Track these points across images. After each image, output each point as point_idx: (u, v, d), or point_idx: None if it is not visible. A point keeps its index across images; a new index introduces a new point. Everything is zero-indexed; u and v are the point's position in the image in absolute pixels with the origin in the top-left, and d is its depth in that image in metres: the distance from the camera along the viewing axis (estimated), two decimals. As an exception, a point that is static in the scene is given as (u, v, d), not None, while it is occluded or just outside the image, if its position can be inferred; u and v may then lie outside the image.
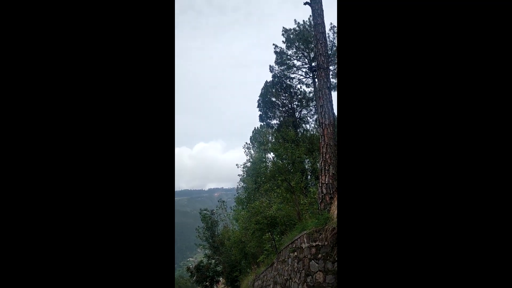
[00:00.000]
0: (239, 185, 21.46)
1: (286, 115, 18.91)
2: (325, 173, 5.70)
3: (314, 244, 4.42)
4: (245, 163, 17.36)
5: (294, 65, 18.52)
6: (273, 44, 17.87)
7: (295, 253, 5.31)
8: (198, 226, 24.10)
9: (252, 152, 19.29)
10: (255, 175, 12.24)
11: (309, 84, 18.54)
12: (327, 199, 5.45)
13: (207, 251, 23.78)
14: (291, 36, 17.44)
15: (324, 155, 5.82)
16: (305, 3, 6.43)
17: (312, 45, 14.24)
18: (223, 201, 23.39)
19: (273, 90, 19.26)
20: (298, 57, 18.35)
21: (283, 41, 17.64)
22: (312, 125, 18.29)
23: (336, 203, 4.42)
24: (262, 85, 19.66)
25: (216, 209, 23.97)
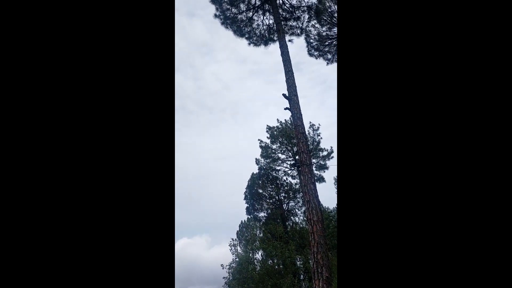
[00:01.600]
0: (225, 288, 18.93)
1: (273, 207, 18.59)
2: (318, 277, 5.18)
3: None
4: (230, 263, 15.79)
5: (279, 158, 19.37)
6: (259, 140, 19.09)
7: None
8: None
9: (239, 249, 17.89)
10: (242, 279, 10.94)
11: (294, 176, 19.00)
12: (324, 310, 4.77)
13: None
14: (275, 132, 18.89)
15: (315, 255, 5.42)
16: (285, 109, 7.21)
17: (295, 141, 15.34)
18: (206, 311, 20.10)
19: (260, 182, 19.48)
20: (282, 151, 19.39)
21: (267, 137, 18.96)
22: (301, 217, 17.81)
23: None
24: (248, 176, 19.94)
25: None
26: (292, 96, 7.09)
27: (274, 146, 19.42)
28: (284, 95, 7.20)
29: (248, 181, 19.76)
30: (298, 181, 18.36)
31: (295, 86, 7.29)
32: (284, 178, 19.51)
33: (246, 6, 9.72)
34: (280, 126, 18.90)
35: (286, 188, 19.41)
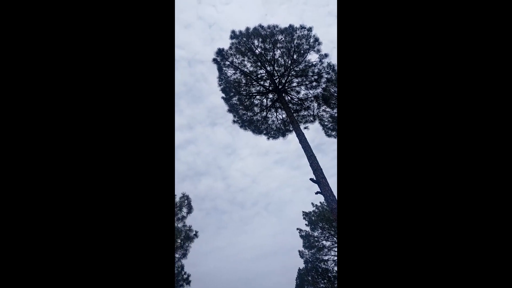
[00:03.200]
0: None
1: (332, 308, 15.79)
2: None
3: None
4: None
5: (324, 246, 17.64)
6: (298, 229, 17.99)
7: None
8: None
9: None
10: None
11: (346, 264, 16.77)
12: None
13: None
14: (313, 218, 17.87)
15: None
16: (317, 193, 7.03)
17: (336, 224, 14.20)
18: None
19: (309, 278, 17.25)
20: (326, 237, 17.82)
21: (306, 224, 17.86)
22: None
23: None
24: (295, 274, 17.89)
25: None
26: (320, 179, 7.01)
27: (315, 233, 18.02)
28: (311, 179, 7.16)
29: (296, 279, 17.66)
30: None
31: (321, 169, 7.30)
32: (336, 268, 17.28)
33: (259, 108, 10.86)
34: (317, 210, 18.03)
35: None
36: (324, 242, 17.67)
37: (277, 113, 10.95)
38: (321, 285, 17.20)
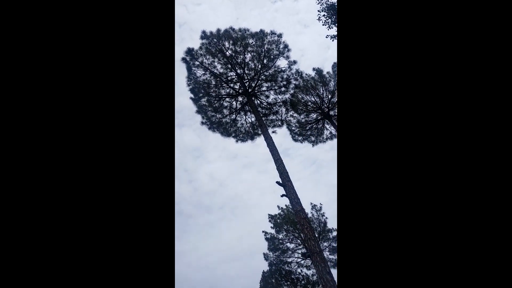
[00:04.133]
0: None
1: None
2: None
3: None
4: None
5: (288, 248, 17.98)
6: (263, 231, 18.13)
7: None
8: None
9: None
10: None
11: (309, 266, 17.27)
12: None
13: None
14: (278, 220, 18.15)
15: None
16: (282, 195, 7.17)
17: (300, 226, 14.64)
18: None
19: (273, 280, 17.43)
20: (290, 239, 18.19)
21: (271, 227, 18.07)
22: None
23: None
24: (259, 276, 17.97)
25: None
26: (286, 182, 7.16)
27: (280, 236, 18.32)
28: (277, 182, 7.28)
29: (260, 282, 17.73)
30: (314, 270, 16.60)
31: (287, 173, 7.46)
32: (299, 270, 17.68)
33: (228, 111, 10.84)
34: (282, 213, 18.33)
35: (303, 282, 17.34)
36: (288, 244, 18.01)
37: (246, 116, 11.01)
38: (284, 287, 17.46)
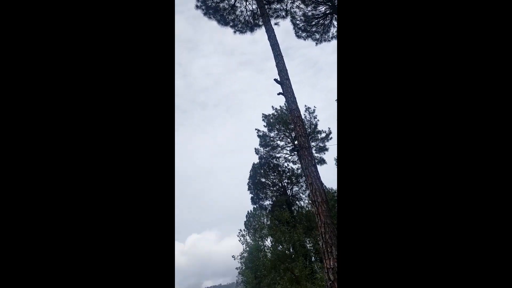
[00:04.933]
0: (238, 279, 19.27)
1: (278, 194, 18.69)
2: (328, 256, 5.23)
3: None
4: (242, 253, 16.01)
5: (278, 145, 19.36)
6: (256, 129, 19.03)
7: None
8: None
9: (248, 239, 18.10)
10: (254, 268, 11.10)
11: (295, 161, 19.05)
12: (336, 286, 4.85)
13: None
14: (271, 120, 18.81)
15: (323, 235, 5.46)
16: (279, 94, 7.13)
17: (292, 126, 15.32)
18: (223, 302, 20.46)
19: (261, 171, 19.52)
20: (280, 138, 19.36)
21: (264, 125, 18.89)
22: (306, 201, 17.94)
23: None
24: (249, 167, 19.97)
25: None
26: (284, 80, 7.00)
27: (272, 134, 19.39)
28: (276, 80, 7.11)
29: (250, 171, 19.79)
30: (299, 165, 18.41)
31: (286, 70, 7.18)
32: (285, 164, 19.55)
33: (227, -6, 9.49)
34: (276, 113, 18.80)
35: (288, 174, 19.47)
36: (278, 142, 19.30)
37: (247, 3, 9.72)
38: (271, 177, 19.78)
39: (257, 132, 19.08)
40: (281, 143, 19.22)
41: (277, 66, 7.24)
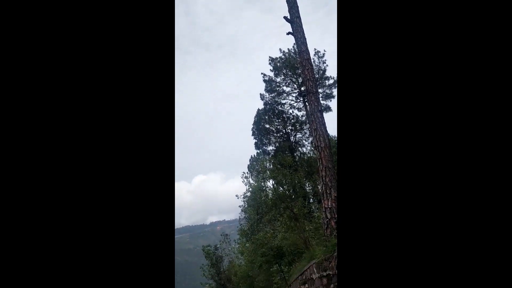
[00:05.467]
0: (241, 215, 20.89)
1: (281, 140, 19.00)
2: (327, 197, 5.57)
3: (324, 273, 4.18)
4: (245, 193, 17.05)
5: (284, 91, 18.95)
6: (262, 73, 18.42)
7: (306, 285, 5.00)
8: (203, 264, 22.99)
9: (251, 181, 19.04)
10: (256, 206, 11.93)
11: (300, 108, 18.87)
12: (332, 224, 5.27)
13: (214, 290, 22.50)
14: (278, 64, 18.05)
15: (324, 178, 5.72)
16: (288, 33, 6.70)
17: (299, 71, 14.73)
18: (226, 235, 22.61)
19: (266, 117, 19.51)
20: (286, 83, 18.85)
21: (270, 70, 18.21)
22: (308, 147, 18.31)
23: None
24: (254, 113, 19.93)
25: (220, 244, 23.06)
26: (294, 19, 6.51)
27: (278, 79, 18.81)
28: (285, 17, 6.61)
29: (255, 117, 19.79)
30: (304, 112, 18.29)
31: (297, 7, 6.63)
32: (290, 111, 19.40)
33: None
34: (283, 56, 17.95)
35: (292, 121, 19.47)
36: (284, 87, 18.82)
37: None
38: (275, 123, 19.84)
39: (263, 77, 18.52)
40: (287, 89, 18.79)
41: (287, 1, 6.65)
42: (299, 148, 18.83)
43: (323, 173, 5.75)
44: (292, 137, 19.33)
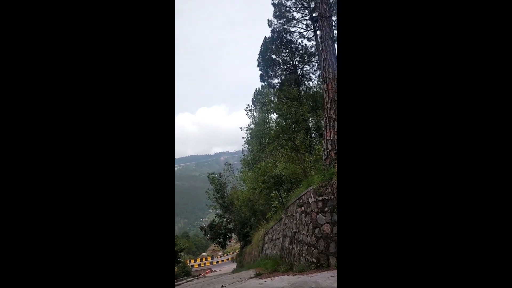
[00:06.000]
0: (244, 147, 21.67)
1: (287, 72, 18.29)
2: (330, 129, 5.62)
3: (320, 198, 4.52)
4: (248, 125, 17.27)
5: (294, 18, 17.39)
6: (271, -5, 16.61)
7: (303, 208, 5.47)
8: (208, 189, 24.96)
9: (255, 113, 19.06)
10: (259, 137, 12.22)
11: (310, 38, 17.61)
12: (333, 155, 5.45)
13: (218, 211, 25.00)
14: (289, -16, 16.12)
15: (328, 111, 5.68)
16: None
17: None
18: (230, 164, 23.90)
19: (273, 47, 18.37)
20: (297, 8, 17.17)
21: (280, -9, 16.36)
22: (315, 81, 17.76)
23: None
24: (260, 41, 18.72)
25: (224, 172, 24.62)
26: None
27: (288, 3, 17.06)
28: None
29: (261, 46, 18.67)
30: (314, 43, 17.12)
31: None
32: (299, 40, 18.17)
33: None
34: (295, -25, 15.88)
35: (301, 52, 18.40)
36: (294, 13, 17.18)
37: None
38: (283, 54, 18.75)
39: (272, 0, 16.76)
40: (298, 15, 17.23)
41: None
42: (306, 82, 18.26)
43: (328, 105, 5.70)
44: (299, 69, 18.55)
